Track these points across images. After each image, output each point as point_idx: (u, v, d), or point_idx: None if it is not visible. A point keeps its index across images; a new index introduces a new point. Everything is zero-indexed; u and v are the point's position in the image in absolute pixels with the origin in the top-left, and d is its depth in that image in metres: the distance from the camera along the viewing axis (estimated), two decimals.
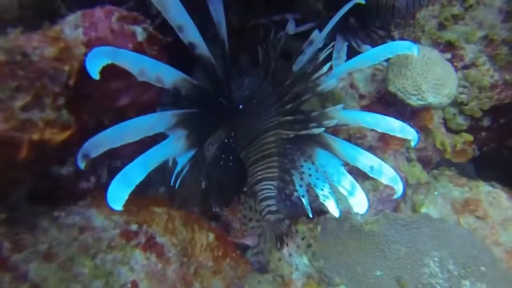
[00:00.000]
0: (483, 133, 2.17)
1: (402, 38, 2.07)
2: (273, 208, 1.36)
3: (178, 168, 1.41)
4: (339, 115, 1.39)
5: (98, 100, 1.20)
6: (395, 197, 1.39)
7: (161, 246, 1.44)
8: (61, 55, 0.99)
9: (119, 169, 1.20)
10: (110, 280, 1.24)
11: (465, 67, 2.03)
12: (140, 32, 1.22)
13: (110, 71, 1.19)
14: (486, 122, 2.15)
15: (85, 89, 1.12)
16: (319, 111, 1.42)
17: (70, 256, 1.17)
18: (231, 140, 1.56)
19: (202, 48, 1.28)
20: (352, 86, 1.84)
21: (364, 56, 1.34)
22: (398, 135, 1.35)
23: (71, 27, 1.07)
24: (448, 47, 2.06)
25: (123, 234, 1.35)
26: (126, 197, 1.16)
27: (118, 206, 1.14)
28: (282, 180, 1.46)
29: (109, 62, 1.04)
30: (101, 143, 1.12)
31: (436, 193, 1.93)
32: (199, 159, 1.47)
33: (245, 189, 1.55)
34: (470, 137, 1.97)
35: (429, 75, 1.66)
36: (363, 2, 1.30)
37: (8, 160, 0.92)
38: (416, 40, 2.08)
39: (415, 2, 1.82)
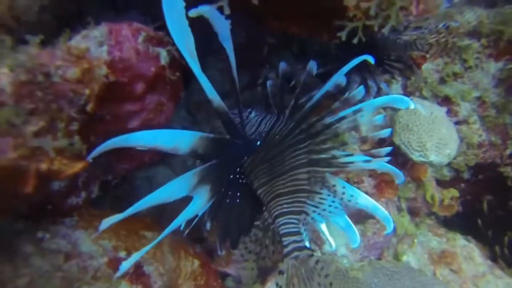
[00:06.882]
0: (462, 185, 2.29)
1: (405, 87, 2.14)
2: (302, 244, 1.30)
3: (196, 220, 1.33)
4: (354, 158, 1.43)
5: (110, 123, 1.10)
6: (385, 232, 1.48)
7: (148, 276, 1.35)
8: (83, 77, 0.89)
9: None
10: None
11: (458, 122, 2.14)
12: (164, 56, 1.14)
13: (126, 93, 1.11)
14: (466, 175, 2.27)
15: (99, 112, 1.02)
16: (341, 152, 1.45)
17: None
18: (238, 176, 1.49)
19: (218, 102, 1.23)
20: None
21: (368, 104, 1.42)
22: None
23: (96, 44, 0.97)
24: (446, 101, 2.16)
25: (110, 262, 1.25)
26: None
27: None
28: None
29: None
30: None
31: (416, 240, 1.99)
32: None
33: (257, 222, 1.48)
34: (456, 193, 2.06)
35: (434, 133, 1.71)
36: (372, 62, 1.34)
37: (10, 191, 0.81)
38: (418, 91, 2.16)
39: (413, 45, 1.84)
